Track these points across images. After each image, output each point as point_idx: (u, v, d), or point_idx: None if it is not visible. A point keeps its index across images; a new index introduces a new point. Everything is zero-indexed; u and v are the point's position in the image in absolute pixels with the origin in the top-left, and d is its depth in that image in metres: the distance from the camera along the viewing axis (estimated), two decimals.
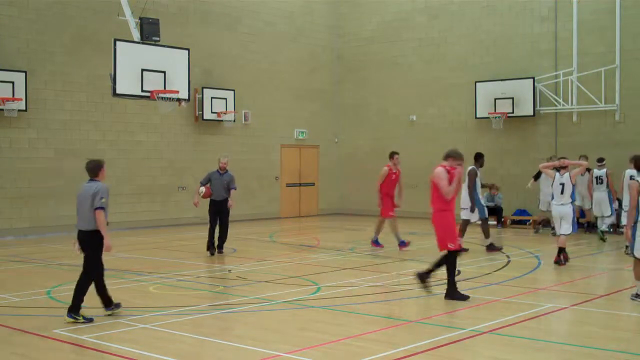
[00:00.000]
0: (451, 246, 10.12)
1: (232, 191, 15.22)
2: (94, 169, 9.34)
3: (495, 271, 12.75)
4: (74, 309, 8.81)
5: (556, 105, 21.59)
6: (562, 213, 13.41)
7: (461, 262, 13.68)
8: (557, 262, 13.44)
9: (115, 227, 20.48)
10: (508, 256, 14.66)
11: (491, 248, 15.42)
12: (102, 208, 8.93)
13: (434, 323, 8.72)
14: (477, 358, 7.33)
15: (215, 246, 15.13)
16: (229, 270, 12.93)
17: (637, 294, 9.95)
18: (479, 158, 16.05)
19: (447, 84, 24.16)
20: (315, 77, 26.52)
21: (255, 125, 24.38)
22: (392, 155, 16.46)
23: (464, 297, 10.02)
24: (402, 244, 15.91)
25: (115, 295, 10.63)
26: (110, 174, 20.44)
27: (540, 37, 22.17)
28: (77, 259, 14.61)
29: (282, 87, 25.35)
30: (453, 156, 10.43)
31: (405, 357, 7.19)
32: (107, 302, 9.23)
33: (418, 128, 25.01)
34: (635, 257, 9.87)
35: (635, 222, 9.88)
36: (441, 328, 8.41)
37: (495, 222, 21.40)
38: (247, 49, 24.20)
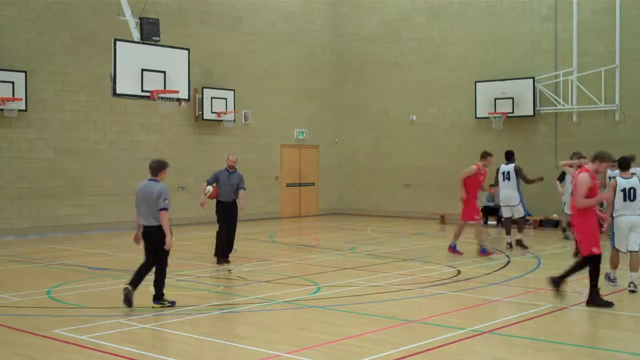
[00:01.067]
0: (595, 250, 9.60)
1: (242, 192, 13.85)
2: (156, 168, 9.86)
3: (495, 271, 12.75)
4: (159, 297, 9.63)
5: (556, 105, 21.59)
6: None
7: (461, 262, 13.70)
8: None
9: (115, 227, 20.54)
10: (508, 256, 14.66)
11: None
12: (166, 209, 9.52)
13: (434, 323, 8.72)
14: (477, 358, 7.33)
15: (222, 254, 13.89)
16: (229, 271, 12.93)
17: (610, 277, 11.22)
18: (513, 155, 16.32)
19: (447, 84, 24.16)
20: (315, 77, 26.52)
21: (255, 125, 24.38)
22: (486, 155, 15.11)
23: (609, 304, 9.58)
24: (484, 251, 14.68)
25: (115, 295, 10.64)
26: (110, 173, 20.65)
27: (540, 37, 22.17)
28: (76, 259, 14.66)
29: (282, 87, 25.35)
30: (603, 159, 9.84)
31: (405, 357, 7.19)
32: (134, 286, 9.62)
33: (418, 128, 25.01)
34: (615, 248, 10.99)
35: (612, 217, 10.97)
36: (441, 328, 8.41)
37: (495, 222, 21.44)
38: (247, 49, 24.20)
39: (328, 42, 26.94)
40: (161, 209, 9.47)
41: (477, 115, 23.06)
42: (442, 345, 7.61)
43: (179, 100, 16.58)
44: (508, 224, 16.03)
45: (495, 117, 22.32)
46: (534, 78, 21.80)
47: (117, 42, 15.61)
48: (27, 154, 19.00)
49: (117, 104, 20.13)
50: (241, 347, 7.68)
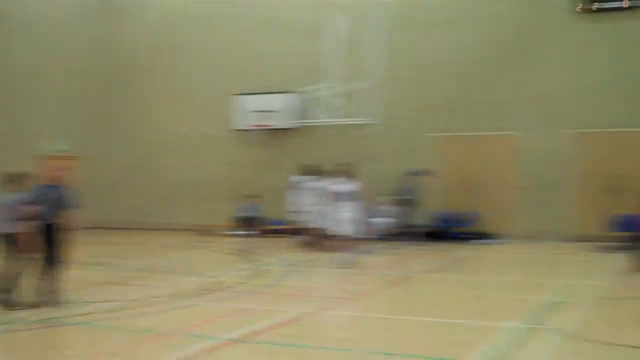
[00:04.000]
0: None
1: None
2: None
3: (251, 281, 13.02)
4: None
5: (315, 119, 22.56)
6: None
7: (222, 272, 13.73)
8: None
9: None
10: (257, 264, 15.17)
11: None
12: None
13: (194, 334, 8.70)
14: None
15: None
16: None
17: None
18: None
19: (201, 97, 24.20)
20: None
21: None
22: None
23: None
24: None
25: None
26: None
27: (303, 52, 22.73)
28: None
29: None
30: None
31: None
32: None
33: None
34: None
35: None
36: (196, 338, 8.40)
37: (253, 232, 21.68)
38: None
39: None
40: None
41: (236, 128, 23.42)
42: (196, 356, 7.67)
43: None
44: None
45: (255, 130, 22.92)
46: (294, 92, 22.63)
47: None
48: None
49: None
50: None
